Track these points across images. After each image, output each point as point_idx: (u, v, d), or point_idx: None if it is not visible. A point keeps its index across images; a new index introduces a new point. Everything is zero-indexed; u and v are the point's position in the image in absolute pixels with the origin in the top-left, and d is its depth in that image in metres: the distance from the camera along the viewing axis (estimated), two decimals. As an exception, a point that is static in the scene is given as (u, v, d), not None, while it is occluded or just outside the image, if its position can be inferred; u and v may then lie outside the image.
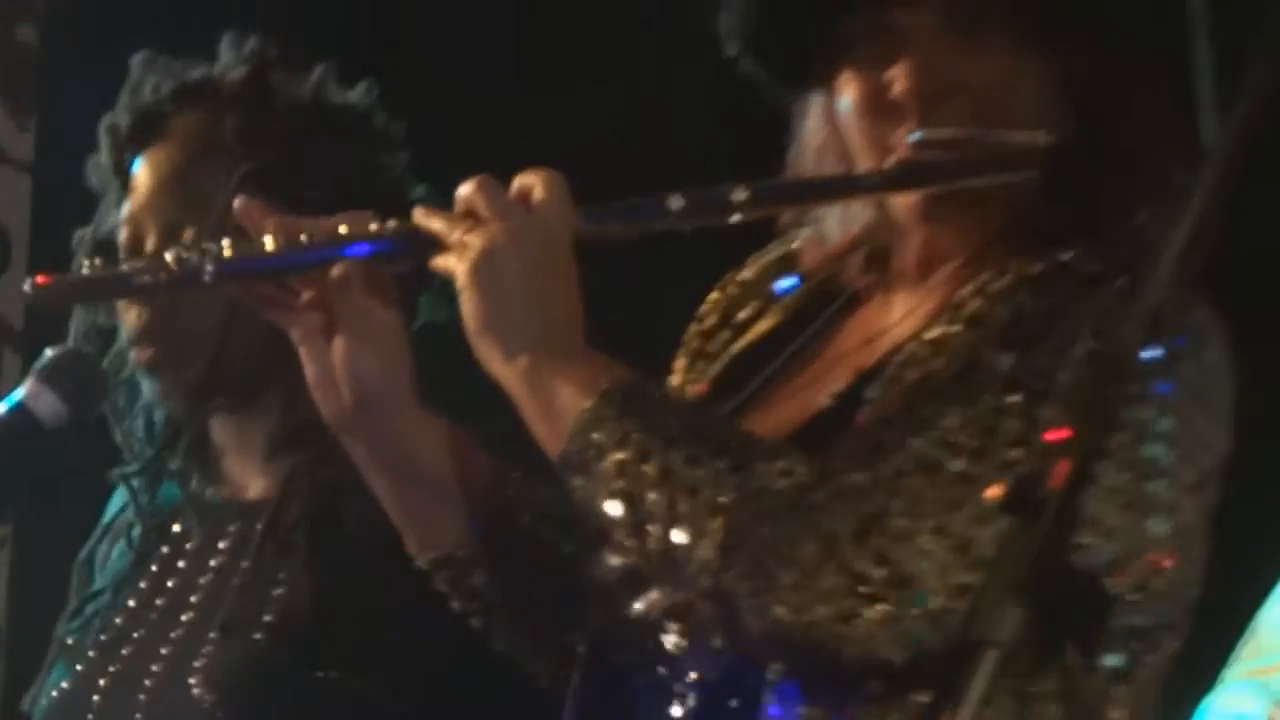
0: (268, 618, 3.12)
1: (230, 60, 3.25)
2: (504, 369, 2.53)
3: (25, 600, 4.45)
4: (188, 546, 3.28)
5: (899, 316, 2.74)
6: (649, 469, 2.45)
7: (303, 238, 2.63)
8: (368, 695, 3.10)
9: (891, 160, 2.63)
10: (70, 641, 3.29)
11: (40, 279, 2.79)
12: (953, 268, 2.70)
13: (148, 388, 3.26)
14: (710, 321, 2.95)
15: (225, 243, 2.61)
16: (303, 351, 2.67)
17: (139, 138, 3.26)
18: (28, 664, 3.37)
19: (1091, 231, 2.61)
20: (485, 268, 2.51)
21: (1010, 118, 2.63)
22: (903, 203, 2.68)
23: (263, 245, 2.62)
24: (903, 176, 2.64)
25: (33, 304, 2.90)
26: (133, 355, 3.23)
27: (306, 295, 2.64)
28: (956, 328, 2.57)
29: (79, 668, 3.24)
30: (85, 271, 2.89)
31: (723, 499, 2.42)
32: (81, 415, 3.28)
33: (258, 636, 3.11)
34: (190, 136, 3.22)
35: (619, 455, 2.46)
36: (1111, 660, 2.59)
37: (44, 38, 5.69)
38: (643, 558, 2.53)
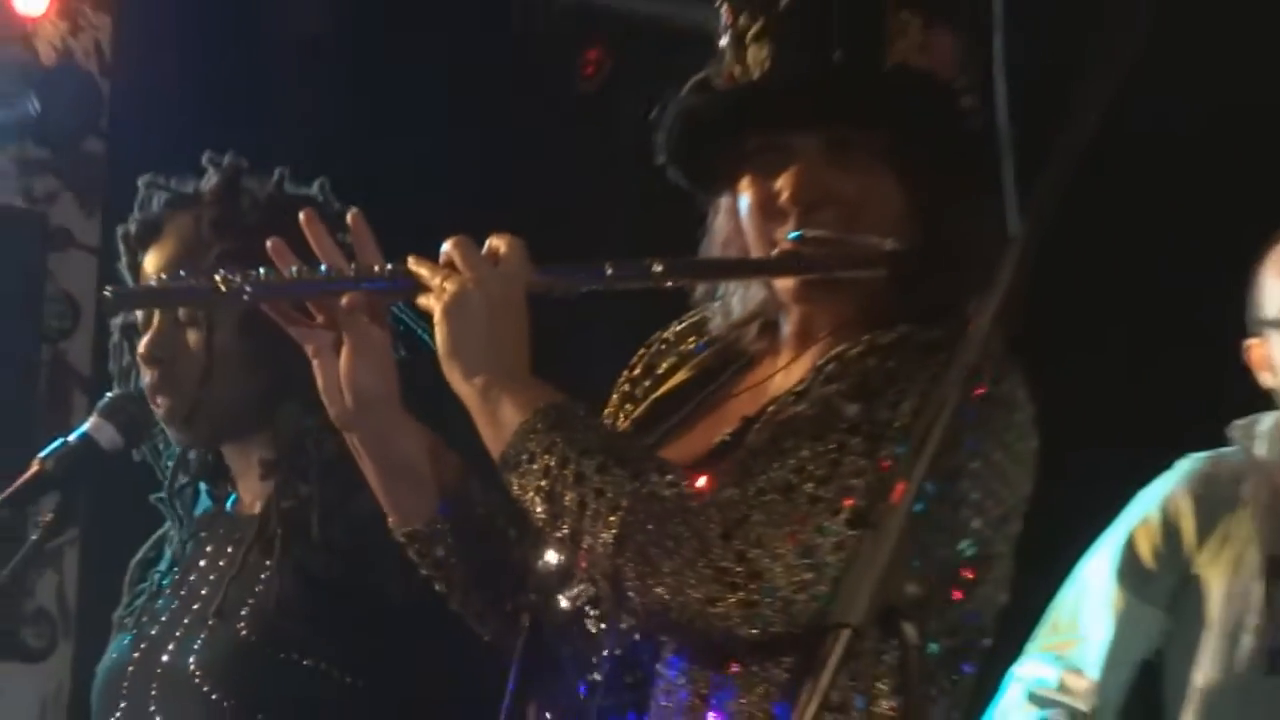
0: (246, 609, 3.11)
1: (211, 173, 3.27)
2: (463, 387, 2.59)
3: (102, 590, 4.43)
4: (208, 549, 3.27)
5: (779, 377, 2.79)
6: (567, 472, 2.50)
7: (322, 268, 2.70)
8: (329, 675, 3.08)
9: (775, 251, 2.68)
10: (123, 623, 3.29)
11: (110, 289, 2.92)
12: (824, 338, 2.74)
13: (170, 433, 3.26)
14: (637, 371, 2.99)
15: (261, 271, 2.67)
16: (315, 363, 2.71)
17: (143, 239, 3.27)
18: (95, 647, 3.36)
19: (929, 313, 2.65)
20: (455, 308, 2.57)
21: (869, 225, 2.67)
22: (783, 285, 2.73)
23: (289, 276, 2.69)
24: (783, 264, 2.70)
25: (106, 308, 3.05)
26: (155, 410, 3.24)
27: (320, 318, 2.70)
28: (818, 382, 2.62)
29: (124, 643, 3.23)
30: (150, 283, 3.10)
31: (622, 501, 2.47)
32: (134, 445, 3.29)
33: (240, 624, 3.09)
34: (179, 234, 3.23)
35: (545, 460, 2.51)
36: (934, 646, 2.60)
37: (108, 147, 5.68)
38: (558, 543, 2.59)
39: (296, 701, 3.08)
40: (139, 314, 3.25)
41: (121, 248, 3.29)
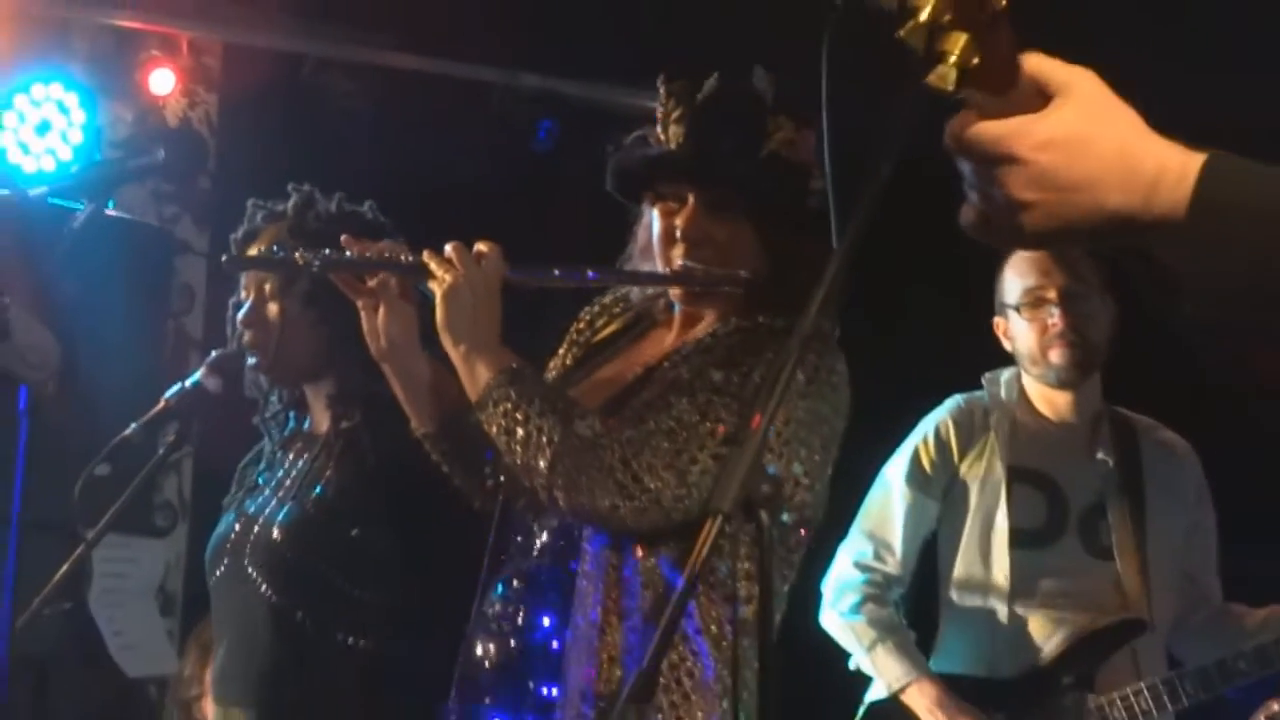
0: (315, 494, 3.11)
1: (293, 197, 3.25)
2: (451, 351, 2.66)
3: (208, 488, 4.36)
4: (290, 457, 3.26)
5: (676, 338, 2.84)
6: (518, 415, 2.56)
7: (368, 254, 2.79)
8: (373, 540, 3.07)
9: (669, 269, 2.76)
10: (228, 506, 3.28)
11: (225, 256, 3.11)
12: (704, 324, 2.81)
13: (261, 375, 3.28)
14: (582, 324, 3.00)
15: (327, 251, 2.77)
16: (363, 315, 2.77)
17: (246, 241, 3.26)
18: (202, 528, 3.33)
19: (777, 309, 2.71)
20: (450, 295, 2.64)
21: (733, 261, 2.73)
22: (674, 290, 2.83)
23: (345, 257, 2.78)
24: (674, 279, 2.78)
25: (225, 268, 3.12)
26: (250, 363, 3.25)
27: (371, 283, 2.76)
28: (696, 353, 2.71)
29: (229, 519, 3.22)
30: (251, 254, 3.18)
31: (555, 436, 2.54)
32: (231, 389, 3.28)
33: (309, 505, 3.10)
34: (269, 238, 3.21)
35: (504, 406, 2.58)
36: (785, 518, 2.64)
37: (213, 184, 5.66)
38: (512, 465, 2.62)
39: (345, 558, 3.06)
40: (242, 292, 3.24)
41: (232, 247, 3.26)
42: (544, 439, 2.55)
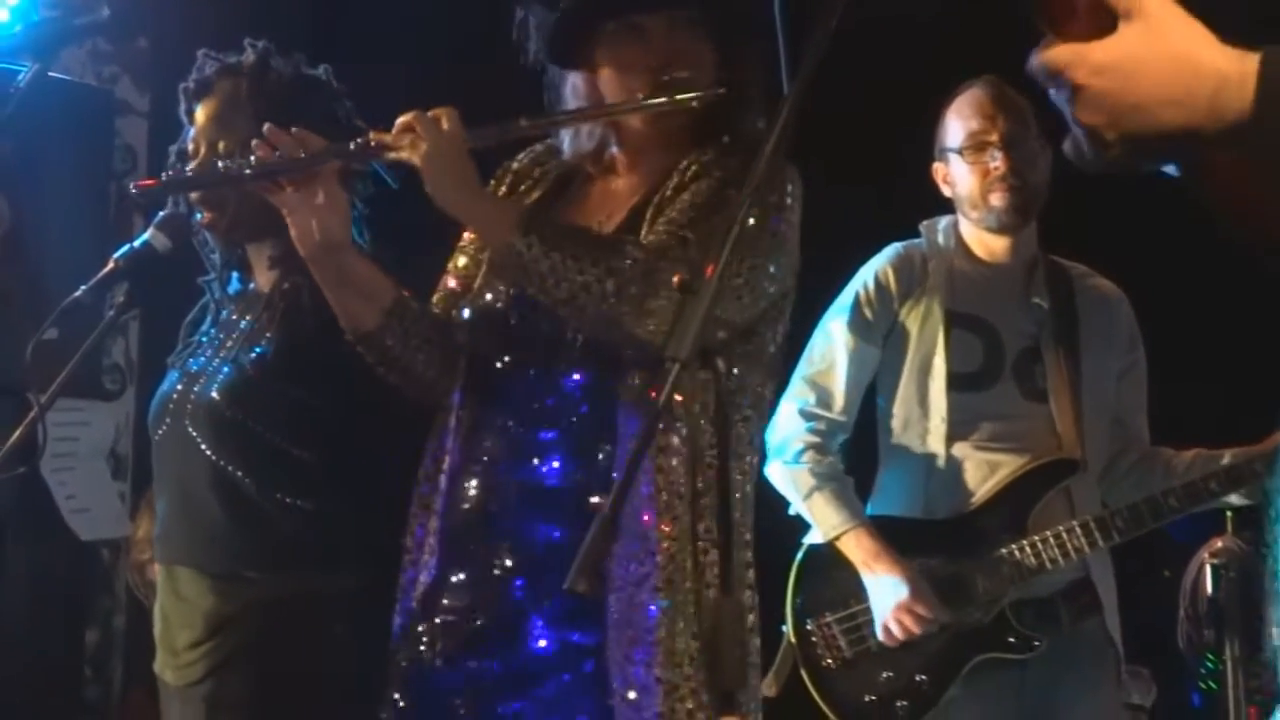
0: (253, 355, 3.03)
1: (249, 53, 3.13)
2: (454, 209, 2.62)
3: (156, 350, 4.33)
4: (233, 316, 3.17)
5: (633, 183, 2.79)
6: (536, 252, 2.53)
7: (300, 153, 2.68)
8: (308, 402, 3.00)
9: (642, 96, 2.70)
10: (172, 365, 3.22)
11: (141, 183, 2.93)
12: (657, 157, 2.75)
13: (208, 233, 3.18)
14: (503, 190, 2.94)
15: (252, 158, 2.68)
16: (290, 220, 2.71)
17: (198, 95, 3.15)
18: (152, 390, 3.30)
19: (734, 133, 2.71)
20: (432, 159, 2.57)
21: (697, 77, 2.67)
22: (635, 121, 2.76)
23: (280, 157, 2.68)
24: (662, 99, 2.68)
25: (135, 200, 3.01)
26: (198, 219, 3.16)
27: (290, 188, 2.69)
28: (697, 178, 2.67)
29: (173, 378, 3.16)
30: (165, 175, 2.97)
31: (613, 264, 2.52)
32: (179, 248, 3.19)
33: (249, 365, 3.03)
34: (224, 94, 3.11)
35: (531, 251, 2.53)
36: (733, 375, 2.62)
37: (152, 44, 5.56)
38: (548, 298, 2.57)
39: (285, 418, 3.00)
40: (189, 145, 3.15)
41: (181, 99, 3.17)
42: (571, 269, 2.51)
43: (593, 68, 2.78)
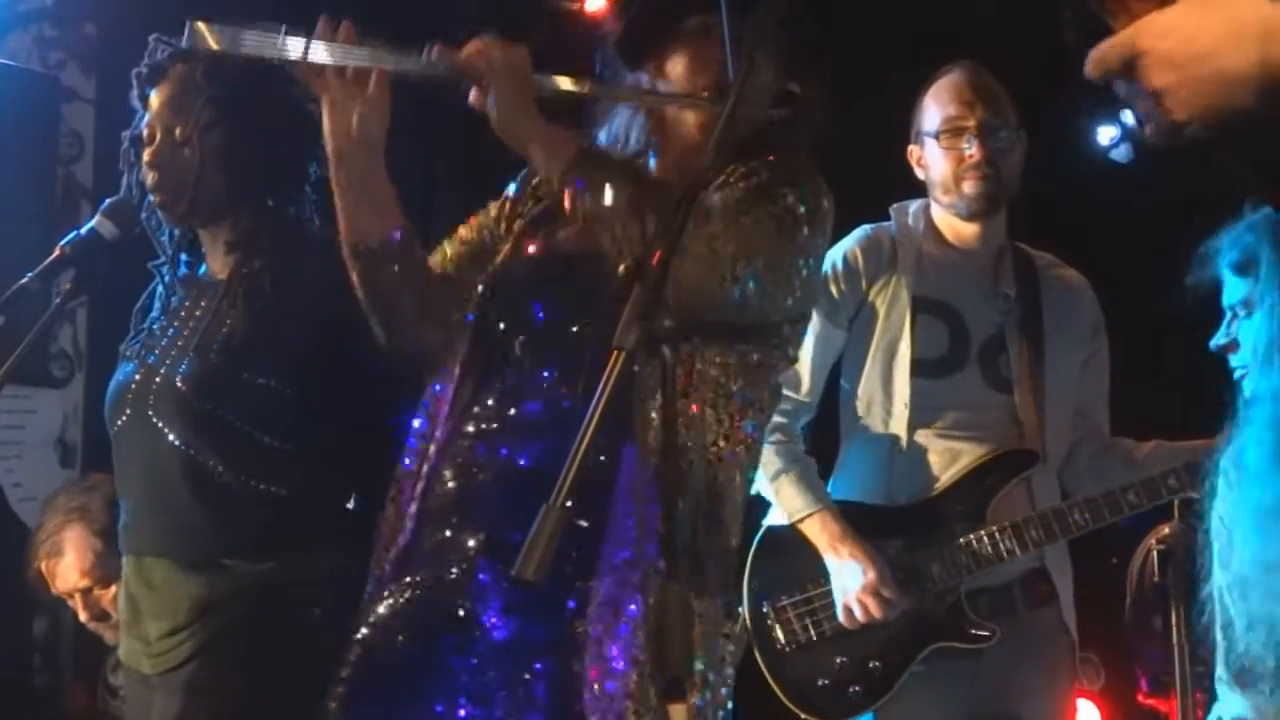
0: (217, 342, 3.00)
1: None
2: (514, 125, 2.57)
3: (104, 337, 4.29)
4: (187, 303, 3.12)
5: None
6: (598, 178, 2.52)
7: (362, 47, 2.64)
8: (273, 388, 2.99)
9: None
10: (126, 354, 3.16)
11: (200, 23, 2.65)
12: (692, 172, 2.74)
13: (162, 216, 3.14)
14: (504, 209, 2.94)
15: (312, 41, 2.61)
16: (330, 110, 2.66)
17: (152, 80, 3.09)
18: (99, 377, 3.27)
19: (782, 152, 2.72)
20: (502, 74, 2.57)
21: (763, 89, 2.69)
22: (695, 125, 2.75)
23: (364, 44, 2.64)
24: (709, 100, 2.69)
25: (194, 39, 2.62)
26: (151, 200, 3.11)
27: (337, 79, 2.64)
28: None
29: (128, 369, 3.10)
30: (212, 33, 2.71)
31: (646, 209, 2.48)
32: (126, 235, 3.19)
33: (212, 353, 2.99)
34: (178, 79, 3.06)
35: (590, 176, 2.53)
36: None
37: (98, 30, 5.51)
38: (600, 226, 2.53)
39: (253, 405, 2.98)
40: (144, 130, 3.10)
41: (134, 84, 3.12)
42: (624, 205, 2.49)
43: (660, 66, 2.76)
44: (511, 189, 2.93)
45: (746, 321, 2.61)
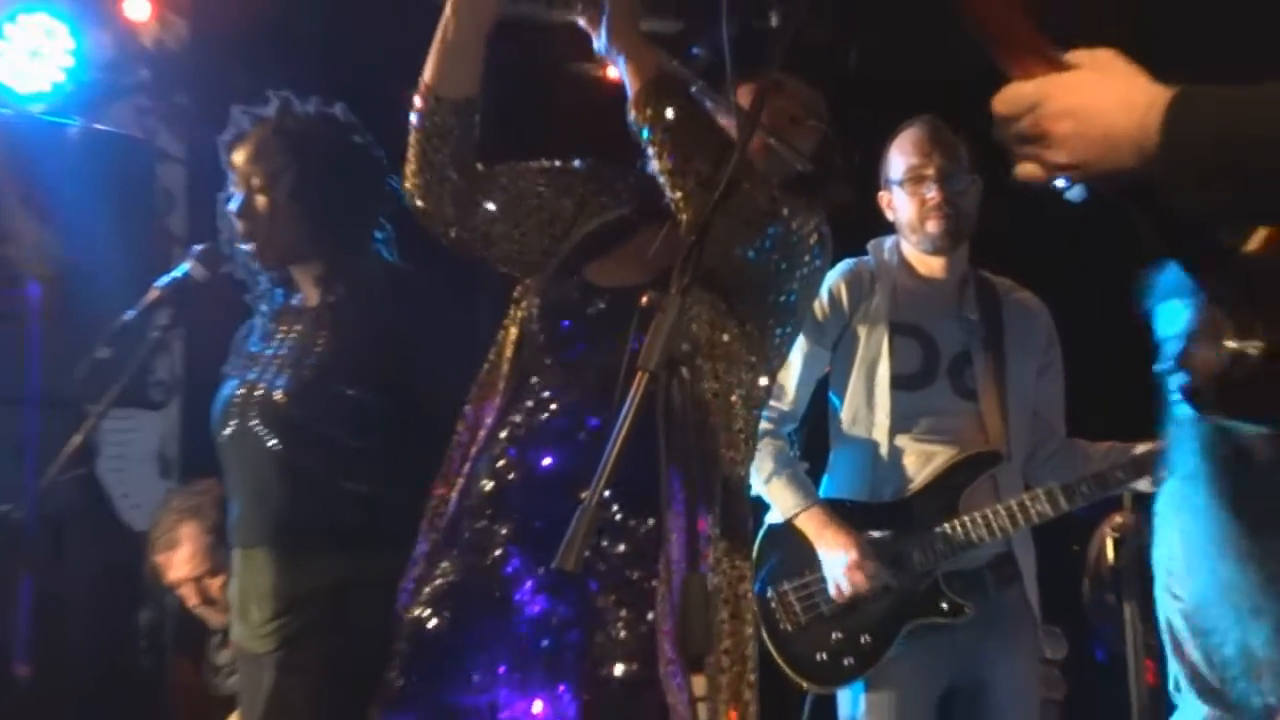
0: (311, 359, 3.13)
1: (273, 101, 3.23)
2: (622, 38, 2.57)
3: (198, 364, 4.33)
4: (283, 328, 3.25)
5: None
6: (668, 105, 2.50)
7: None
8: (362, 399, 3.07)
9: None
10: (230, 373, 3.26)
11: None
12: None
13: (259, 261, 3.24)
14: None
15: None
16: None
17: (232, 145, 3.25)
18: (195, 402, 3.32)
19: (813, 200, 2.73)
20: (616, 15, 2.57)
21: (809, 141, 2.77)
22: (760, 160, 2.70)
23: None
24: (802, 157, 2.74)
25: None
26: (245, 249, 3.24)
27: None
28: None
29: (232, 384, 3.22)
30: None
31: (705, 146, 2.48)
32: (213, 276, 3.30)
33: (305, 369, 3.12)
34: (255, 141, 3.21)
35: (664, 101, 2.50)
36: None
37: (189, 98, 5.58)
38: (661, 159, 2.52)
39: (342, 414, 3.07)
40: (231, 188, 3.21)
41: (221, 150, 3.25)
42: (687, 138, 2.48)
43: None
44: (576, 163, 2.92)
45: (751, 282, 2.63)
